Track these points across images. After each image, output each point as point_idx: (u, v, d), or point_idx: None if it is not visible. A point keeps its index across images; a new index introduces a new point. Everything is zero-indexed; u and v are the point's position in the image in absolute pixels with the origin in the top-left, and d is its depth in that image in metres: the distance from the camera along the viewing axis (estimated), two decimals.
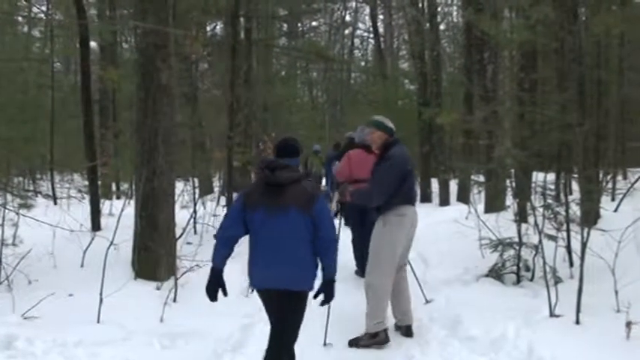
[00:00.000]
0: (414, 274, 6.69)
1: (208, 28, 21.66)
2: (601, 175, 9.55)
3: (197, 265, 6.86)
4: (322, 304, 4.29)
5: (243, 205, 4.23)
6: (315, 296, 4.24)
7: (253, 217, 4.17)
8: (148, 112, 7.00)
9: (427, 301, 6.53)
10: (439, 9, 22.47)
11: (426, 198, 16.87)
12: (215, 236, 4.53)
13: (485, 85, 11.22)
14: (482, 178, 11.26)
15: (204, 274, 6.68)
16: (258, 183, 4.33)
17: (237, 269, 7.25)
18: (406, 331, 5.77)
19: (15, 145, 13.21)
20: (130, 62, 19.40)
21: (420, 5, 19.37)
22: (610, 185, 11.84)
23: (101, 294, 5.66)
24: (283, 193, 4.16)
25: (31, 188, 18.64)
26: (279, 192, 4.17)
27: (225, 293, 4.23)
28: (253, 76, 17.09)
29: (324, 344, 5.54)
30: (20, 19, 22.03)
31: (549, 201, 7.10)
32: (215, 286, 4.19)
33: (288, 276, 4.12)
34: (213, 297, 4.20)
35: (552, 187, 8.11)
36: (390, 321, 5.81)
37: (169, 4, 7.42)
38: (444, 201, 16.05)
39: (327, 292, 4.22)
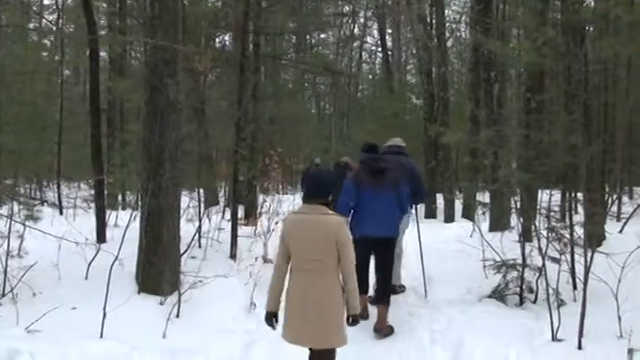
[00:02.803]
0: (422, 269, 7.70)
1: (217, 40, 21.75)
2: (606, 197, 9.51)
3: (200, 281, 6.87)
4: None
5: (356, 186, 6.40)
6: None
7: (363, 194, 6.37)
8: (155, 128, 7.00)
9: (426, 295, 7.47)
10: (447, 25, 22.43)
11: (431, 214, 16.79)
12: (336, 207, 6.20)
13: (492, 105, 11.21)
14: (487, 195, 11.22)
15: (207, 290, 6.77)
16: (362, 171, 6.51)
17: (239, 284, 7.31)
18: None
19: (23, 156, 13.28)
20: (137, 73, 19.49)
21: (429, 20, 19.38)
22: (615, 208, 11.83)
23: (104, 309, 5.67)
24: (383, 177, 6.41)
25: (38, 196, 18.70)
26: (381, 176, 6.41)
27: None
28: (261, 90, 17.10)
29: None
30: (31, 26, 22.16)
31: (553, 223, 7.07)
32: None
33: (386, 228, 6.39)
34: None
35: (557, 208, 8.06)
36: None
37: (178, 18, 7.44)
38: (449, 217, 16.01)
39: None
